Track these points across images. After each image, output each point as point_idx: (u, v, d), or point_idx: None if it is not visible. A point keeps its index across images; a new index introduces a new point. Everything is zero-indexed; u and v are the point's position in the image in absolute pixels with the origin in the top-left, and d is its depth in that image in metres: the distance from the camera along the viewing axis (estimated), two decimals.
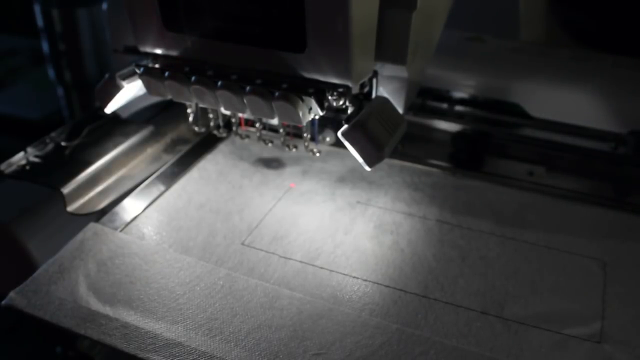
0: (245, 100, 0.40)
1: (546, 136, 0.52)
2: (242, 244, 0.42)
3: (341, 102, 0.39)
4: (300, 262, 0.41)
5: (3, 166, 0.48)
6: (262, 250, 0.42)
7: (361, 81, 0.40)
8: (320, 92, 0.38)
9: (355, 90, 0.41)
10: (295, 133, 0.50)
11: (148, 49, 0.43)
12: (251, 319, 0.36)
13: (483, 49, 0.57)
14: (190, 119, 0.48)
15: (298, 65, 0.38)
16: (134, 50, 0.59)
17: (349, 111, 0.40)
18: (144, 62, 0.44)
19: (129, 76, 0.44)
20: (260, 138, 0.49)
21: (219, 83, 0.40)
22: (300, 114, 0.38)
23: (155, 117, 0.57)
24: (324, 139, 0.53)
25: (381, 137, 0.39)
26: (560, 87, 0.51)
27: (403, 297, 0.38)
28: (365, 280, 0.39)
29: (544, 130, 0.52)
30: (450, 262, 0.41)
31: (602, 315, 0.37)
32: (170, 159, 0.53)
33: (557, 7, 0.69)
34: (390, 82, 0.43)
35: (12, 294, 0.38)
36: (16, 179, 0.47)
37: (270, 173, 0.51)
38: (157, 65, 0.43)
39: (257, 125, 0.48)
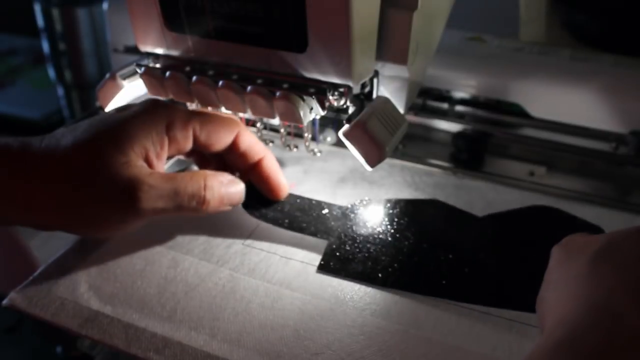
0: (246, 100, 0.40)
1: (547, 136, 0.52)
2: (243, 244, 0.42)
3: (342, 102, 0.39)
4: (301, 262, 0.41)
5: None
6: (263, 250, 0.42)
7: (362, 81, 0.40)
8: (321, 91, 0.38)
9: (356, 90, 0.41)
10: (296, 133, 0.50)
11: (149, 49, 0.43)
12: (253, 319, 0.36)
13: (483, 49, 0.57)
14: None
15: (299, 65, 0.38)
16: (134, 50, 0.59)
17: (350, 111, 0.40)
18: (145, 62, 0.44)
19: (129, 76, 0.44)
20: (260, 138, 0.49)
21: (220, 83, 0.40)
22: (301, 114, 0.38)
23: None
24: (324, 138, 0.53)
25: (382, 137, 0.39)
26: (561, 87, 0.51)
27: (404, 296, 0.38)
28: (359, 282, 0.39)
29: (544, 130, 0.52)
30: None
31: None
32: (171, 159, 0.52)
33: (557, 7, 0.69)
34: (391, 82, 0.43)
35: (12, 293, 0.38)
36: None
37: None
38: (157, 65, 0.43)
39: (258, 125, 0.48)
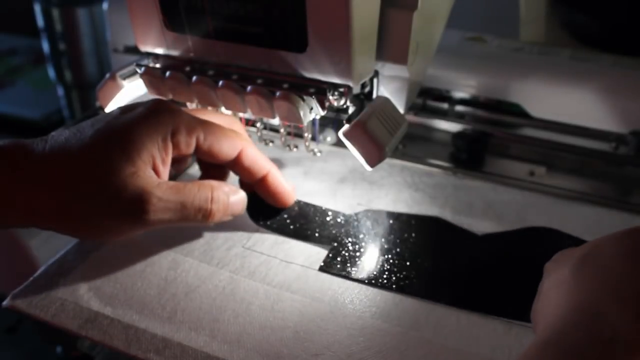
0: (246, 100, 0.40)
1: (547, 136, 0.52)
2: (243, 247, 0.42)
3: (342, 102, 0.39)
4: (302, 265, 0.40)
5: None
6: (263, 253, 0.41)
7: (362, 81, 0.40)
8: (321, 91, 0.38)
9: (356, 90, 0.41)
10: (296, 133, 0.50)
11: (149, 49, 0.43)
12: (253, 320, 0.36)
13: (484, 49, 0.57)
14: None
15: (299, 65, 0.38)
16: (134, 50, 0.59)
17: (350, 111, 0.40)
18: (145, 62, 0.43)
19: (129, 76, 0.44)
20: (260, 138, 0.49)
21: (220, 83, 0.40)
22: (302, 114, 0.38)
23: None
24: (324, 138, 0.53)
25: (382, 137, 0.39)
26: (561, 87, 0.51)
27: (404, 299, 0.38)
28: (360, 282, 0.39)
29: (544, 130, 0.52)
30: None
31: None
32: None
33: (557, 8, 0.69)
34: (391, 82, 0.43)
35: (12, 294, 0.38)
36: None
37: None
38: (157, 65, 0.43)
39: (258, 125, 0.48)
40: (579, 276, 0.29)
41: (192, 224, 0.39)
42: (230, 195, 0.40)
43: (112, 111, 0.39)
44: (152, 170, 0.37)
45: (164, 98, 0.43)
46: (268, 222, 0.44)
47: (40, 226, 0.37)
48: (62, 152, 0.36)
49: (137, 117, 0.37)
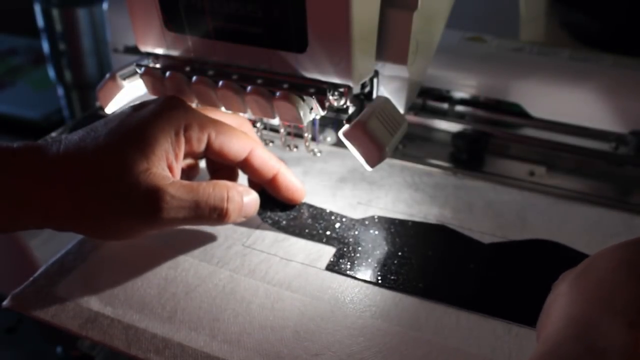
0: (246, 100, 0.40)
1: (547, 136, 0.52)
2: (243, 245, 0.42)
3: (342, 102, 0.39)
4: (302, 264, 0.40)
5: None
6: (263, 252, 0.41)
7: (362, 81, 0.40)
8: (321, 91, 0.38)
9: (356, 90, 0.41)
10: (296, 133, 0.50)
11: (149, 49, 0.43)
12: (253, 320, 0.36)
13: (483, 49, 0.57)
14: None
15: (299, 65, 0.38)
16: (134, 50, 0.59)
17: (350, 111, 0.40)
18: (145, 62, 0.43)
19: (129, 76, 0.44)
20: (261, 138, 0.49)
21: (220, 83, 0.40)
22: (301, 114, 0.38)
23: None
24: (324, 138, 0.53)
25: (382, 137, 0.39)
26: (561, 87, 0.51)
27: (404, 299, 0.38)
28: (367, 282, 0.39)
29: (544, 130, 0.52)
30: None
31: None
32: None
33: (557, 7, 0.69)
34: (391, 82, 0.43)
35: (13, 294, 0.38)
36: None
37: None
38: (157, 65, 0.43)
39: (258, 125, 0.48)
40: (575, 289, 0.29)
41: (207, 223, 0.38)
42: (244, 196, 0.40)
43: (125, 109, 0.39)
44: (166, 168, 0.37)
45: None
46: (275, 220, 0.44)
47: (56, 227, 0.37)
48: (77, 153, 0.36)
49: (149, 113, 0.37)
